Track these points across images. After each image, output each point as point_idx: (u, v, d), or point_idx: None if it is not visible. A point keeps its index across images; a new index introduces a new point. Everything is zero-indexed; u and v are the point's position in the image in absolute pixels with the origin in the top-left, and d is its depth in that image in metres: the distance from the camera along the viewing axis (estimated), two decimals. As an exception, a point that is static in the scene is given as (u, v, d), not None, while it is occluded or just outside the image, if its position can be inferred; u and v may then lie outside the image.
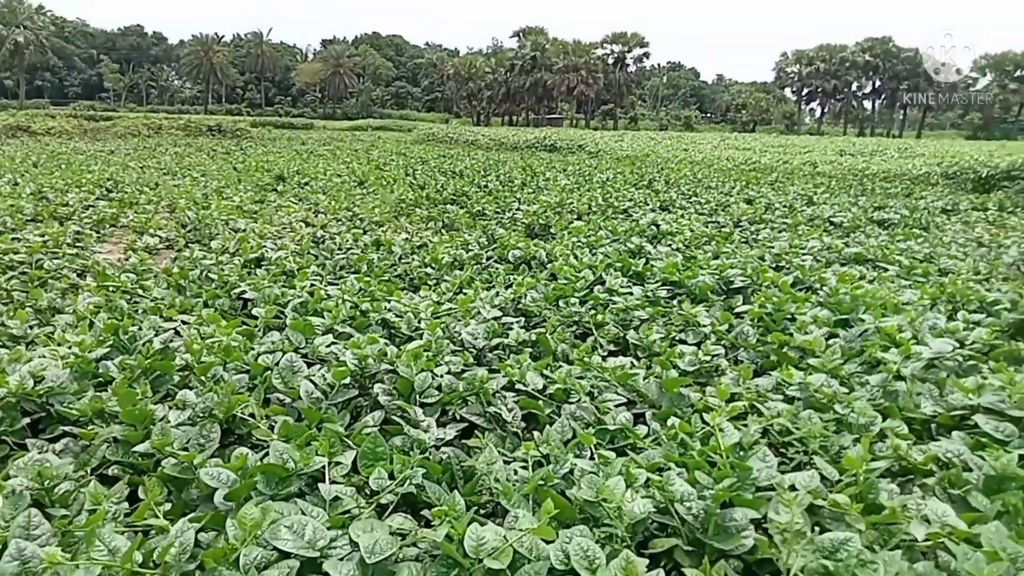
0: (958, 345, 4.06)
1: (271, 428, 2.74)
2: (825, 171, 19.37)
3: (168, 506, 2.16)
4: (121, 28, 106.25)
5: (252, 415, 2.78)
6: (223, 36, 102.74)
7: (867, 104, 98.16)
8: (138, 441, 2.58)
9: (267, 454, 2.40)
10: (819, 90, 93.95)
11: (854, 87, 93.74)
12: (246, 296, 4.80)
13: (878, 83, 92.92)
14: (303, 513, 2.08)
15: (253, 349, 3.54)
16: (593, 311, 4.74)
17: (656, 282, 5.53)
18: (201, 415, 2.72)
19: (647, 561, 1.89)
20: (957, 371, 3.86)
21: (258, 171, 15.61)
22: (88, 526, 1.99)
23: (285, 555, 1.91)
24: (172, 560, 1.84)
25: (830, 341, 4.20)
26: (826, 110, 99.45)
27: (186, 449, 2.45)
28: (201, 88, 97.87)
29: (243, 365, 3.32)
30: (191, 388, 3.09)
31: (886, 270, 6.67)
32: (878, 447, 2.91)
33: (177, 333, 4.04)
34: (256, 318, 4.22)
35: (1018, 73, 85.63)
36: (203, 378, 3.12)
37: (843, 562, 2.01)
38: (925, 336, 4.24)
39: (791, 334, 4.24)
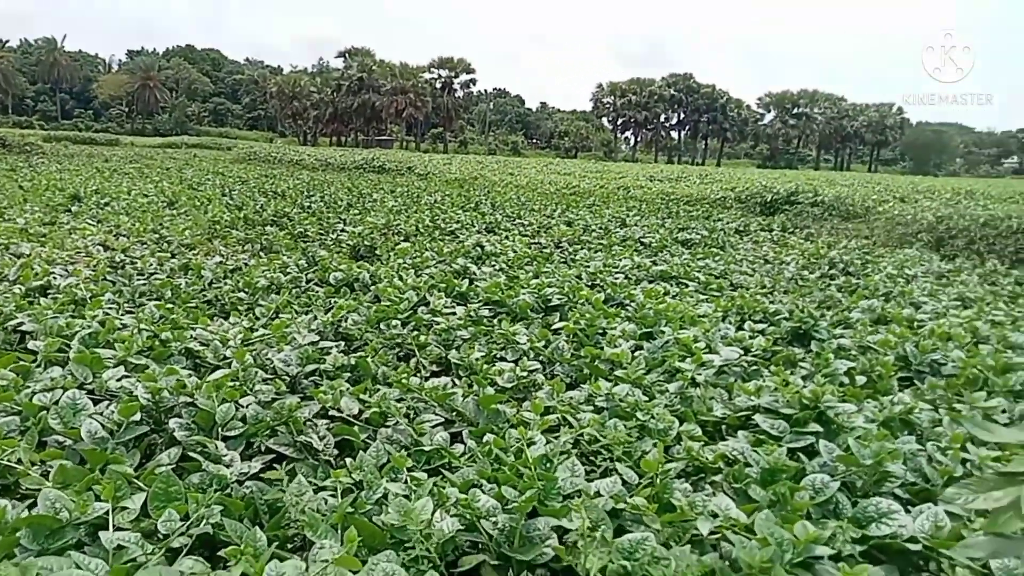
0: (744, 352, 4.51)
1: (45, 476, 2.45)
2: (637, 195, 20.83)
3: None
4: None
5: (20, 461, 2.47)
6: (7, 41, 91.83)
7: (674, 134, 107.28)
8: None
9: (36, 504, 2.14)
10: (632, 120, 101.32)
11: (662, 118, 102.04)
12: (24, 328, 4.27)
13: (683, 115, 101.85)
14: (78, 567, 1.88)
15: (28, 388, 3.15)
16: (416, 332, 4.73)
17: (479, 302, 5.64)
18: (-46, 466, 2.37)
19: (453, 579, 1.90)
20: (743, 376, 4.28)
21: (49, 190, 14.02)
22: None
23: (51, 617, 1.71)
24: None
25: (636, 353, 4.49)
26: (639, 139, 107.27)
27: (-68, 507, 2.13)
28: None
29: (13, 406, 2.95)
30: (-56, 436, 2.69)
31: (687, 286, 7.28)
32: (674, 450, 3.16)
33: (-67, 374, 3.51)
34: (35, 353, 3.76)
35: (796, 111, 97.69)
36: (-40, 424, 2.73)
37: (639, 561, 2.15)
38: (717, 345, 4.67)
39: (602, 348, 4.48)
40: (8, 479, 2.45)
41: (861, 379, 4.19)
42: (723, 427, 3.57)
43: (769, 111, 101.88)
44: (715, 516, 2.44)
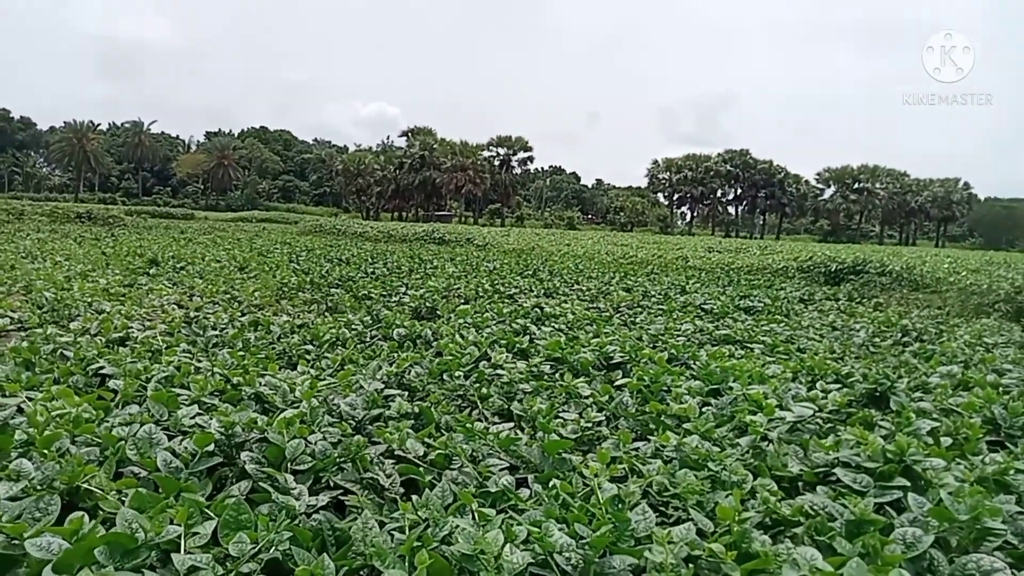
0: (818, 410, 4.32)
1: (122, 502, 2.49)
2: (696, 265, 20.68)
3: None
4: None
5: (100, 489, 2.52)
6: (99, 124, 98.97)
7: (731, 209, 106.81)
8: (-42, 518, 2.26)
9: (113, 524, 2.17)
10: (688, 195, 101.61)
11: (719, 194, 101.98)
12: (104, 372, 4.43)
13: (739, 190, 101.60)
14: (151, 583, 1.88)
15: (107, 422, 3.25)
16: (478, 384, 4.72)
17: (540, 358, 5.60)
18: (39, 487, 2.43)
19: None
20: (818, 433, 4.09)
21: (130, 255, 14.80)
22: None
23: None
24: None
25: (703, 409, 4.36)
26: (695, 214, 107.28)
27: (17, 523, 2.18)
28: (72, 176, 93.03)
29: (94, 438, 3.03)
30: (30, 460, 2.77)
31: (752, 349, 7.08)
32: (749, 504, 3.01)
33: (20, 411, 3.65)
34: (115, 392, 3.90)
35: (856, 186, 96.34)
36: (45, 451, 2.82)
37: (719, 607, 2.03)
38: (788, 403, 4.50)
39: (667, 404, 4.37)
40: (88, 503, 2.50)
41: (946, 440, 3.95)
42: (799, 483, 3.40)
43: (829, 186, 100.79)
44: (798, 566, 2.30)
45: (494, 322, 7.56)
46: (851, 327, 9.30)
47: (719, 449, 3.44)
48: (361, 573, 2.27)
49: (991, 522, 2.61)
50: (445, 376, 4.84)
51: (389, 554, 2.16)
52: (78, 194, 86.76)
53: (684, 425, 3.88)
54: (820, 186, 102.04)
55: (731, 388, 4.71)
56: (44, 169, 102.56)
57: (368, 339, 6.42)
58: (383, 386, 4.35)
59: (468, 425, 3.55)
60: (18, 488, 2.42)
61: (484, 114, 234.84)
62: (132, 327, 6.41)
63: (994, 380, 5.77)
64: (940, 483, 3.05)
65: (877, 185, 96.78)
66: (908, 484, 3.01)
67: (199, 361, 4.86)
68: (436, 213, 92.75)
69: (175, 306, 8.42)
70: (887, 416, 4.57)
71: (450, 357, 5.28)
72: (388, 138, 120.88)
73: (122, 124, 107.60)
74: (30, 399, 3.79)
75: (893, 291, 14.66)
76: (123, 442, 2.91)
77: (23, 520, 2.25)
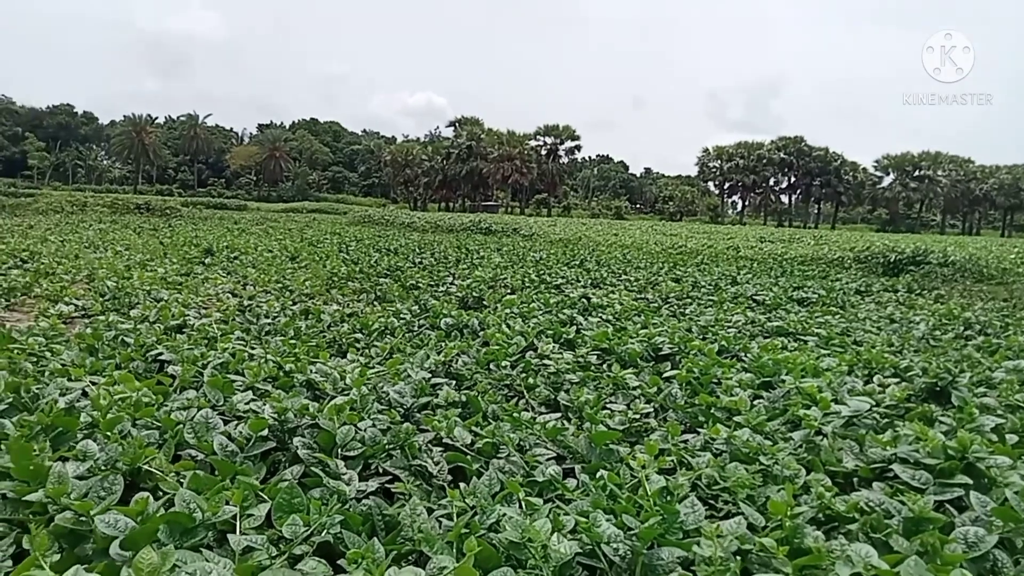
0: (875, 404, 4.20)
1: (180, 483, 2.57)
2: (747, 255, 20.29)
3: (57, 557, 1.97)
4: (49, 107, 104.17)
5: (160, 470, 2.61)
6: (156, 118, 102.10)
7: (784, 198, 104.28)
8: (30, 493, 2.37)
9: (172, 504, 2.24)
10: (739, 184, 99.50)
11: (771, 182, 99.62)
12: (163, 358, 4.59)
13: (793, 179, 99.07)
14: (208, 561, 1.94)
15: (166, 406, 3.36)
16: (525, 375, 4.72)
17: (587, 349, 5.58)
18: (103, 467, 2.53)
19: (573, 599, 1.82)
20: (875, 428, 3.97)
21: (186, 245, 15.26)
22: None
23: (185, 605, 1.76)
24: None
25: (754, 402, 4.28)
26: (747, 203, 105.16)
27: (84, 500, 2.27)
28: (131, 168, 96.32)
29: (153, 421, 3.14)
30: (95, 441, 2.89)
31: (806, 342, 6.91)
32: (803, 499, 2.94)
33: (85, 394, 3.80)
34: (173, 378, 4.03)
35: (917, 173, 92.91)
36: (108, 433, 2.93)
37: (771, 603, 1.99)
38: (843, 397, 4.38)
39: (718, 396, 4.30)
40: (148, 483, 2.59)
41: (1012, 438, 3.80)
42: (855, 479, 3.31)
43: (887, 174, 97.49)
44: (852, 562, 2.23)
45: (541, 312, 7.55)
46: (910, 319, 9.00)
47: (771, 443, 3.37)
48: (409, 558, 2.30)
49: (1061, 524, 2.50)
50: (492, 366, 4.85)
51: (437, 540, 2.18)
52: (137, 186, 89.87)
53: (735, 418, 3.82)
54: (878, 174, 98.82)
55: (784, 381, 4.60)
56: (105, 162, 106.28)
57: (416, 328, 6.49)
58: (431, 375, 4.40)
59: (515, 414, 3.55)
60: (84, 468, 2.52)
61: (531, 104, 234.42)
62: (189, 315, 6.61)
63: (1064, 376, 5.51)
64: (1005, 482, 2.94)
65: (939, 172, 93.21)
66: (970, 482, 2.90)
67: (253, 348, 4.98)
68: (483, 203, 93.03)
69: (229, 295, 8.65)
70: (948, 412, 4.41)
71: (497, 347, 5.30)
72: (436, 128, 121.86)
73: (178, 117, 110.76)
74: (94, 383, 3.95)
75: (955, 283, 14.13)
76: (181, 426, 3.01)
77: (89, 498, 2.34)
